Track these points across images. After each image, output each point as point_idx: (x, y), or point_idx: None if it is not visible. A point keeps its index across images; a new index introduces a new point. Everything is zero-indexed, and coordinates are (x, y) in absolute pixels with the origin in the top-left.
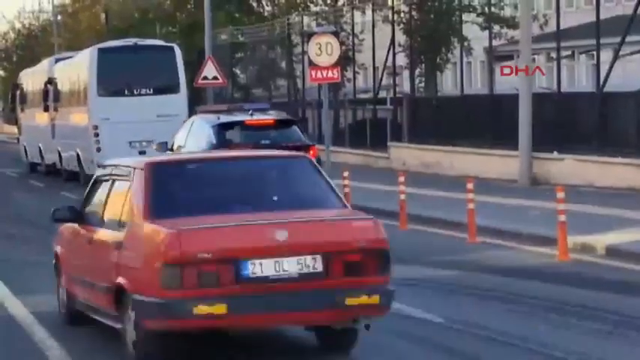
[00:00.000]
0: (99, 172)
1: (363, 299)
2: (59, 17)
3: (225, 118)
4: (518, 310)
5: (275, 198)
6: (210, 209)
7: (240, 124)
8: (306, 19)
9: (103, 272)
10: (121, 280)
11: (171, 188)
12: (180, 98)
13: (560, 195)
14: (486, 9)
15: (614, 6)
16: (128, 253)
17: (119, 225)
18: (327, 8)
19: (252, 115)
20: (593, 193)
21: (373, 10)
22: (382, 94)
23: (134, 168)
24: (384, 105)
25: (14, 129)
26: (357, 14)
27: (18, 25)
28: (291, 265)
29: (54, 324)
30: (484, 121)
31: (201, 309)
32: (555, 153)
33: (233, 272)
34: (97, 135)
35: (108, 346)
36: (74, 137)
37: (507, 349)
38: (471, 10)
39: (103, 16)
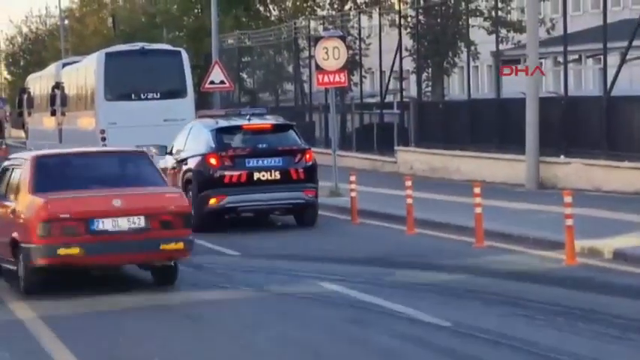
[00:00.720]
0: (6, 163)
1: (173, 245)
2: (66, 21)
3: (223, 123)
4: (526, 315)
5: (116, 179)
6: (72, 186)
7: (238, 128)
8: (313, 24)
9: (5, 231)
10: (15, 234)
11: (48, 173)
12: (188, 103)
13: (568, 199)
14: (493, 13)
15: (621, 10)
16: (19, 215)
17: (15, 197)
18: (334, 12)
19: (249, 119)
20: (600, 197)
21: (380, 15)
22: (389, 98)
23: (25, 159)
24: (391, 109)
25: (22, 133)
26: (364, 18)
27: (25, 30)
28: (124, 223)
29: (61, 327)
30: (491, 125)
31: (63, 251)
32: (562, 157)
33: (85, 227)
34: (104, 139)
35: (114, 350)
36: (81, 141)
37: (514, 353)
38: (478, 14)
39: (110, 20)
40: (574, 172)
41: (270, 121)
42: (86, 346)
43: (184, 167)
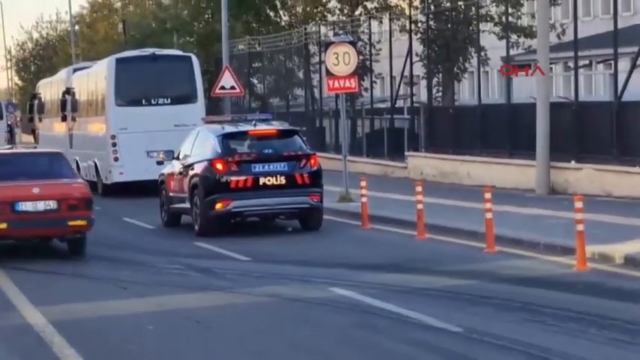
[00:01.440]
0: None
1: (77, 222)
2: (77, 27)
3: (229, 129)
4: (537, 320)
5: (37, 173)
6: (4, 179)
7: (244, 134)
8: (323, 29)
9: None
10: None
11: None
12: (198, 108)
13: (578, 204)
14: (504, 18)
15: (631, 15)
16: None
17: None
18: (344, 18)
19: (255, 125)
20: (611, 203)
21: (390, 20)
22: (399, 103)
23: None
24: (402, 114)
25: (32, 138)
26: (375, 24)
27: (36, 35)
28: (41, 205)
29: (73, 333)
30: (501, 130)
31: None
32: (573, 162)
33: (10, 208)
34: (114, 145)
35: (125, 355)
36: (92, 147)
37: (525, 359)
38: (488, 19)
39: (120, 26)
40: (585, 177)
41: (275, 126)
42: (96, 351)
43: (191, 172)
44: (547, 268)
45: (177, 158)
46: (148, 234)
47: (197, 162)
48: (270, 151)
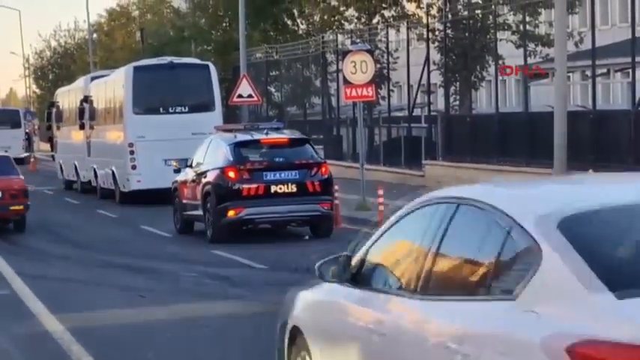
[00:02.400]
0: None
1: (17, 207)
2: (95, 35)
3: (241, 137)
4: None
5: None
6: None
7: (256, 142)
8: (340, 37)
9: None
10: None
11: None
12: (216, 116)
13: None
14: (521, 27)
15: None
16: None
17: None
18: (361, 26)
19: (267, 134)
20: None
21: (408, 28)
22: (417, 111)
23: None
24: (419, 123)
25: (49, 146)
26: (392, 32)
27: (54, 44)
28: None
29: (91, 341)
30: (519, 138)
31: None
32: (590, 171)
33: None
34: (132, 153)
35: None
36: (110, 155)
37: None
38: (506, 27)
39: (138, 34)
40: None
41: (287, 135)
42: (114, 359)
43: (203, 180)
44: None
45: (191, 166)
46: (165, 242)
47: (210, 170)
48: (281, 159)
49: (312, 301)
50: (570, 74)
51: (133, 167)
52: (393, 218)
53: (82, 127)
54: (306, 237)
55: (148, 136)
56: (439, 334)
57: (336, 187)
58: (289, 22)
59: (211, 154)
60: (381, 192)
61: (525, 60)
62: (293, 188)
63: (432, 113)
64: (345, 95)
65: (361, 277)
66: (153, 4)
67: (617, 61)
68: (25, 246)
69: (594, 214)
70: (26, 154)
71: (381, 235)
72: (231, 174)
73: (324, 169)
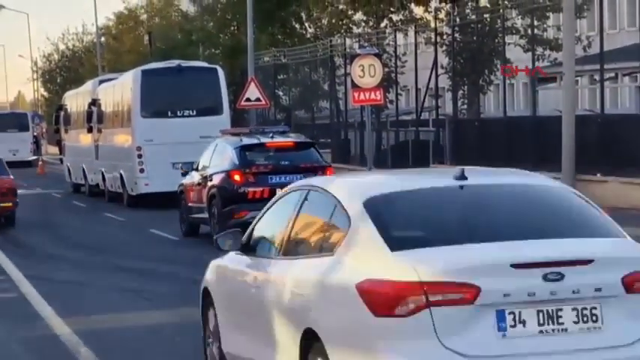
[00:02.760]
0: None
1: (6, 204)
2: (103, 39)
3: (247, 141)
4: None
5: None
6: None
7: (262, 146)
8: (348, 41)
9: None
10: None
11: None
12: (223, 120)
13: None
14: (529, 31)
15: None
16: None
17: None
18: (369, 30)
19: (272, 137)
20: (637, 216)
21: (416, 32)
22: (424, 115)
23: None
24: (427, 127)
25: (57, 150)
26: (400, 36)
27: (62, 47)
28: None
29: (98, 344)
30: (527, 142)
31: None
32: (599, 175)
33: None
34: (140, 156)
35: None
36: (117, 158)
37: None
38: (514, 32)
39: (146, 37)
40: (610, 190)
41: (292, 139)
42: None
43: (209, 183)
44: None
45: (197, 169)
46: (172, 245)
47: (215, 173)
48: (286, 162)
49: (216, 267)
50: (578, 78)
51: (141, 170)
52: (270, 202)
53: (90, 130)
54: None
55: (155, 140)
56: (289, 282)
57: None
58: (297, 26)
59: (217, 157)
60: None
61: (533, 64)
62: None
63: (440, 117)
64: (353, 99)
65: (248, 247)
66: (161, 7)
67: (625, 65)
68: (33, 249)
69: (387, 196)
70: (34, 157)
71: (263, 214)
72: (237, 177)
73: (328, 173)
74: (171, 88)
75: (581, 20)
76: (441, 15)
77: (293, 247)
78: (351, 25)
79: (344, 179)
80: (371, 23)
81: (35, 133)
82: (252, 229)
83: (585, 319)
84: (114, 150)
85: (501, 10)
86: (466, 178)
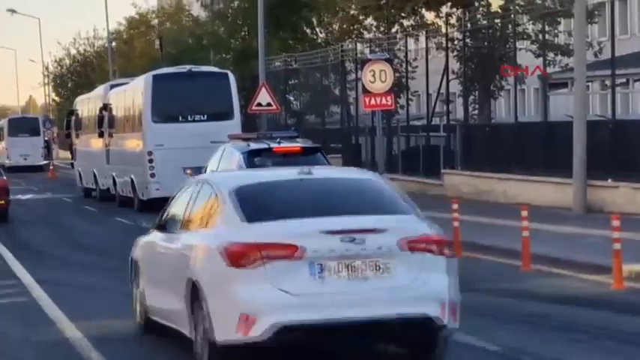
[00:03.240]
0: None
1: (1, 202)
2: (114, 44)
3: (254, 145)
4: (574, 338)
5: None
6: None
7: (269, 150)
8: (359, 46)
9: None
10: None
11: None
12: (234, 124)
13: (615, 223)
14: (540, 36)
15: None
16: None
17: None
18: (380, 35)
19: (279, 142)
20: None
21: (427, 38)
22: (435, 120)
23: None
24: (437, 132)
25: (68, 154)
26: (411, 41)
27: (73, 52)
28: None
29: (109, 349)
30: (538, 148)
31: None
32: (610, 180)
33: None
34: (151, 161)
35: None
36: (128, 163)
37: None
38: (525, 37)
39: (157, 42)
40: (622, 195)
41: (299, 144)
42: None
43: None
44: (584, 286)
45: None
46: None
47: None
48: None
49: (141, 242)
50: (589, 84)
51: (152, 175)
52: (177, 192)
53: (101, 135)
54: None
55: (166, 145)
56: (182, 248)
57: None
58: (308, 31)
59: (225, 162)
60: None
61: (544, 69)
62: None
63: (451, 122)
64: (364, 104)
65: (161, 226)
66: (172, 12)
67: (637, 71)
68: (45, 254)
69: (246, 186)
70: (45, 162)
71: (170, 202)
72: None
73: None
74: (182, 93)
75: (593, 26)
76: (452, 20)
77: (187, 224)
78: (362, 30)
79: (221, 175)
80: (382, 28)
81: (46, 138)
82: (164, 213)
83: (378, 268)
84: (125, 154)
85: (512, 16)
86: (311, 174)
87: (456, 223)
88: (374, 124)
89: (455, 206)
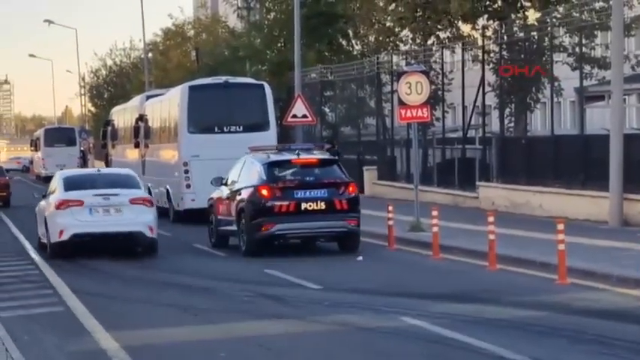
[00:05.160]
0: None
1: (3, 194)
2: (150, 54)
3: (274, 157)
4: (610, 353)
5: None
6: None
7: (288, 162)
8: (395, 58)
9: None
10: None
11: None
12: (270, 136)
13: None
14: (577, 49)
15: None
16: None
17: None
18: (416, 47)
19: (298, 154)
20: None
21: (463, 50)
22: (471, 133)
23: None
24: (473, 144)
25: (103, 165)
26: (447, 53)
27: (109, 62)
28: None
29: (143, 357)
30: (574, 161)
31: None
32: None
33: None
34: (186, 172)
35: None
36: (164, 174)
37: None
38: (562, 50)
39: (193, 53)
40: None
41: (316, 156)
42: None
43: (238, 197)
44: (620, 300)
45: (226, 184)
46: (218, 260)
47: (244, 188)
48: (311, 178)
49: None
50: (626, 97)
51: (188, 186)
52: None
53: (137, 145)
54: (359, 258)
55: (202, 155)
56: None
57: (390, 208)
58: (344, 43)
59: (246, 173)
60: (435, 213)
61: (581, 82)
62: (322, 206)
63: (487, 135)
64: (399, 116)
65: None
66: (208, 23)
67: None
68: (80, 264)
69: (72, 176)
70: None
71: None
72: (265, 192)
73: (351, 188)
74: (218, 103)
75: (630, 39)
76: (489, 32)
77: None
78: (397, 42)
79: (66, 171)
80: (418, 40)
81: (82, 148)
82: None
83: (118, 210)
84: (160, 165)
85: (549, 28)
86: (100, 171)
87: (491, 236)
88: (409, 136)
89: (490, 219)
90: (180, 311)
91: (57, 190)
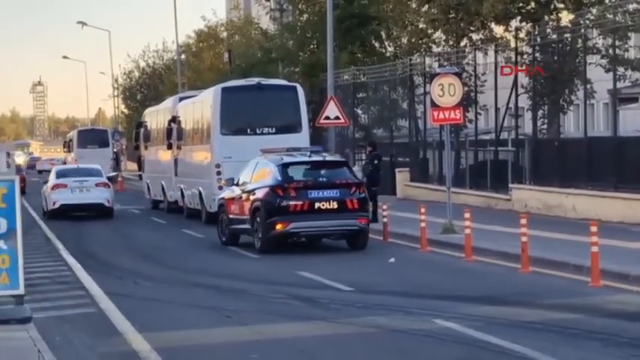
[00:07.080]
0: None
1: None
2: (183, 56)
3: (287, 159)
4: None
5: None
6: None
7: (301, 163)
8: (428, 60)
9: None
10: None
11: None
12: (303, 137)
13: None
14: (611, 51)
15: None
16: None
17: None
18: (449, 49)
19: (310, 156)
20: None
21: (496, 52)
22: (504, 135)
23: None
24: (506, 146)
25: (136, 166)
26: (480, 55)
27: (142, 64)
28: None
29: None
30: (608, 163)
31: None
32: None
33: None
34: (219, 173)
35: None
36: (197, 175)
37: None
38: (595, 51)
39: (226, 55)
40: None
41: (327, 157)
42: None
43: (252, 197)
44: None
45: (237, 184)
46: (250, 262)
47: (258, 188)
48: (323, 179)
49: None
50: None
51: (220, 188)
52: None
53: (169, 147)
54: (392, 259)
55: (235, 157)
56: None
57: (422, 210)
58: (377, 45)
59: (259, 173)
60: (467, 215)
61: (614, 84)
62: (334, 205)
63: (520, 137)
64: (432, 118)
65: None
66: (241, 25)
67: None
68: (113, 265)
69: (62, 170)
70: (114, 174)
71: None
72: (279, 192)
73: (361, 189)
74: (251, 105)
75: None
76: (522, 34)
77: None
78: (430, 44)
79: (58, 166)
80: (451, 42)
81: (115, 150)
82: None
83: (88, 190)
84: (193, 167)
85: (582, 30)
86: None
87: (524, 238)
88: (442, 138)
89: (523, 221)
90: (213, 312)
91: (52, 178)
